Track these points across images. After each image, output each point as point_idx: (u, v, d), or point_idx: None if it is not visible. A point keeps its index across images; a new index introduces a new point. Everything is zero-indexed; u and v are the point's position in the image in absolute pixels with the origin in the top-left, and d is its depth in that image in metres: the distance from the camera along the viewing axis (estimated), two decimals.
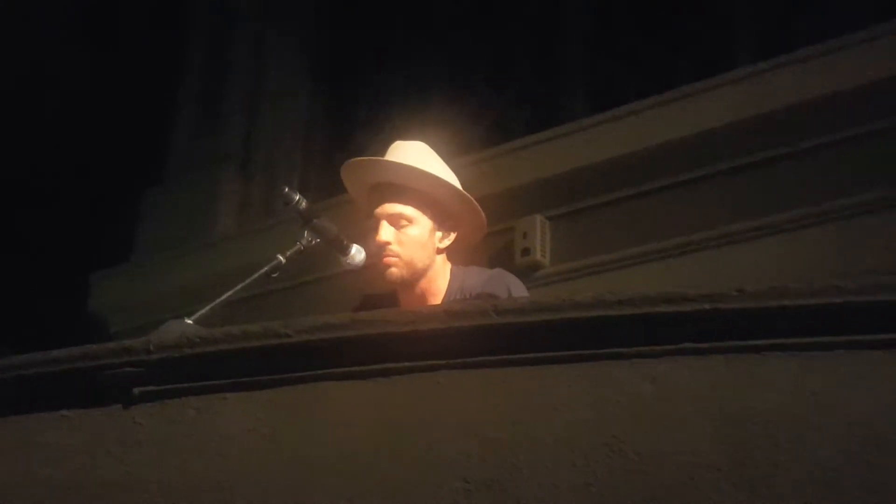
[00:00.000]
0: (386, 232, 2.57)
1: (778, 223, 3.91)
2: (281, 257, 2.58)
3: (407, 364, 1.75)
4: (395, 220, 2.57)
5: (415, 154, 2.64)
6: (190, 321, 2.35)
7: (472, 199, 2.64)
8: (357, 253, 2.67)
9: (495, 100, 5.21)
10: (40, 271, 5.94)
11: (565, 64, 5.09)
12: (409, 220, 2.57)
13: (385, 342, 1.76)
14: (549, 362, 1.70)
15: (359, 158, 2.71)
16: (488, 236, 4.13)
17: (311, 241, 2.61)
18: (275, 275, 2.59)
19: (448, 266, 2.67)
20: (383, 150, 2.73)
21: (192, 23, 6.13)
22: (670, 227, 4.18)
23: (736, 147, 4.12)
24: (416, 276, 2.58)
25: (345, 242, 2.66)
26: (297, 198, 2.60)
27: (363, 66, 5.64)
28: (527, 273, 4.21)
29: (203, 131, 5.74)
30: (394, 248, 2.56)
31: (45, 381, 1.87)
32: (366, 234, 2.65)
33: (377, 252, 2.59)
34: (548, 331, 1.70)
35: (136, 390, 1.82)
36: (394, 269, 2.57)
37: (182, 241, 5.39)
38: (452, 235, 2.64)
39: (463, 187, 2.69)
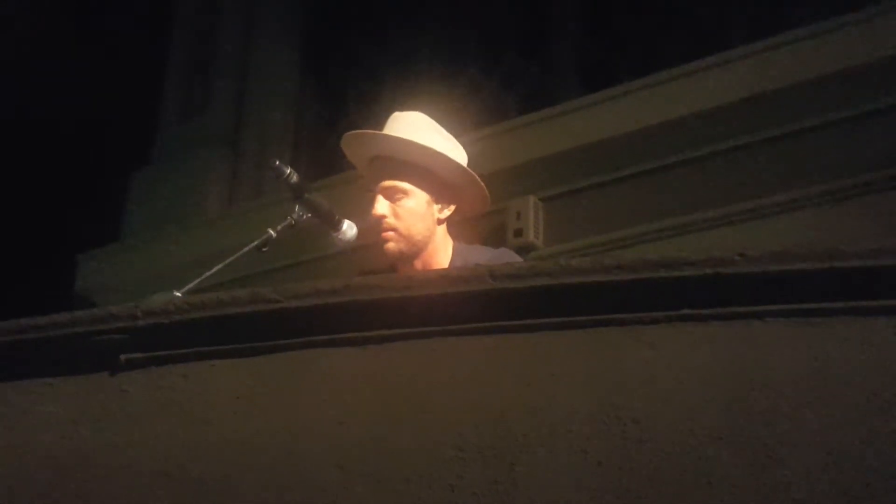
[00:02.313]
0: (381, 205, 2.54)
1: (774, 204, 3.89)
2: (271, 231, 2.55)
3: (400, 331, 1.71)
4: (391, 194, 2.54)
5: (411, 125, 2.60)
6: (178, 294, 2.31)
7: (470, 170, 2.60)
8: (349, 228, 2.64)
9: (487, 80, 5.17)
10: (28, 252, 5.88)
11: (558, 44, 5.05)
12: (405, 193, 2.54)
13: (378, 308, 1.73)
14: (546, 329, 1.66)
15: (354, 132, 2.67)
16: (481, 217, 4.12)
17: (302, 216, 2.58)
18: (265, 249, 2.55)
19: (450, 242, 2.63)
20: (379, 124, 2.69)
21: (179, 1, 6.07)
22: (665, 208, 4.16)
23: (730, 127, 4.10)
24: (415, 249, 2.55)
25: (336, 217, 2.63)
26: (288, 171, 2.56)
27: (353, 44, 5.60)
28: (520, 254, 4.16)
29: (192, 111, 5.70)
30: (390, 221, 2.53)
31: (30, 348, 1.83)
32: (365, 208, 2.61)
33: (374, 226, 2.55)
34: (545, 296, 1.66)
35: (123, 357, 1.78)
36: (391, 244, 2.53)
37: (171, 222, 5.35)
38: (452, 207, 2.60)
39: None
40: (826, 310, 1.54)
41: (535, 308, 1.67)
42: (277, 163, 2.58)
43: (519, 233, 4.41)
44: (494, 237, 4.40)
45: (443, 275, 1.78)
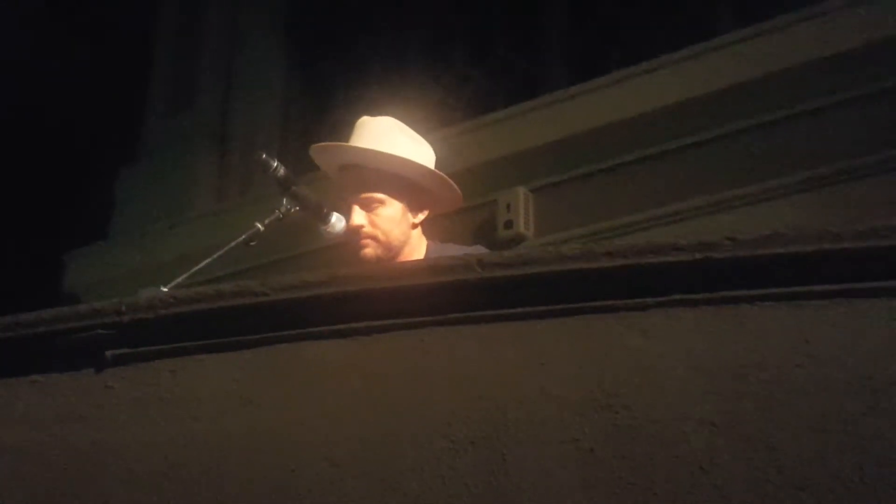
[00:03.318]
0: (358, 216, 2.53)
1: (765, 191, 3.89)
2: (259, 225, 2.53)
3: (389, 321, 1.70)
4: (366, 204, 2.53)
5: (380, 133, 2.58)
6: (165, 289, 2.29)
7: (441, 173, 2.59)
8: (338, 221, 2.63)
9: (475, 72, 5.15)
10: (14, 252, 5.84)
11: (545, 34, 5.04)
12: (381, 202, 2.53)
13: (366, 299, 1.71)
14: (536, 317, 1.64)
15: (322, 144, 2.66)
16: (471, 209, 4.11)
17: (289, 209, 2.57)
18: (252, 243, 2.54)
19: (424, 242, 2.63)
20: (349, 130, 2.67)
21: None
22: (654, 197, 4.16)
23: (718, 115, 4.10)
24: (392, 253, 2.54)
25: (325, 210, 2.61)
26: (275, 164, 2.55)
27: (339, 37, 5.57)
28: (510, 245, 4.18)
29: (178, 107, 5.67)
30: (368, 230, 2.52)
31: (15, 345, 1.81)
32: (340, 209, 2.59)
33: (352, 235, 2.54)
34: (534, 284, 1.64)
35: (109, 353, 1.76)
36: (369, 250, 2.53)
37: (158, 219, 5.32)
38: (426, 210, 2.60)
39: (444, 160, 2.64)
40: (817, 293, 1.53)
41: (524, 296, 1.65)
42: (264, 156, 2.56)
43: (509, 224, 4.41)
44: (484, 229, 4.40)
45: (431, 264, 1.76)
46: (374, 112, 2.70)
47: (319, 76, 5.63)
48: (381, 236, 2.52)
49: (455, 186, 2.60)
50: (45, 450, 1.72)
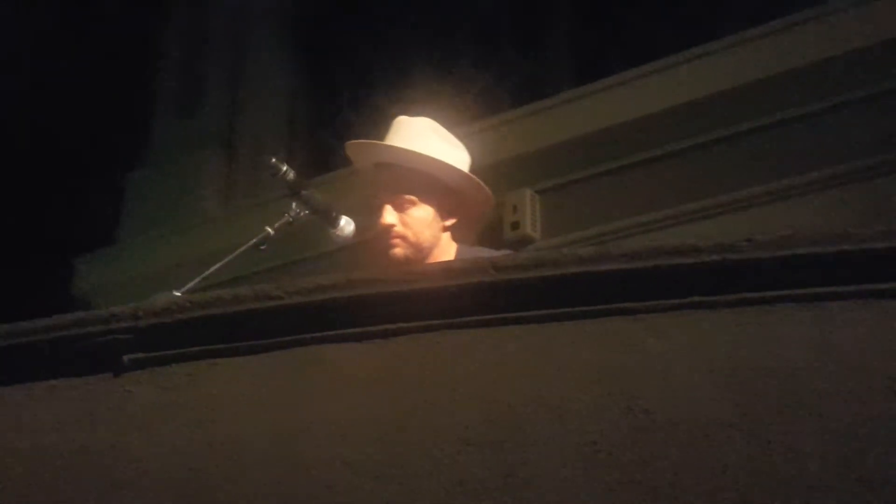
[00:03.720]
0: (390, 215, 2.51)
1: (773, 192, 3.89)
2: (269, 229, 2.53)
3: (404, 325, 1.69)
4: (398, 204, 2.51)
5: (416, 133, 2.56)
6: (178, 294, 2.29)
7: (475, 177, 2.57)
8: (346, 225, 2.63)
9: (481, 73, 5.15)
10: (23, 257, 5.85)
11: (551, 35, 5.03)
12: (412, 203, 2.51)
13: (381, 302, 1.71)
14: (552, 319, 1.64)
15: (358, 141, 2.64)
16: None
17: (299, 213, 2.57)
18: (263, 247, 2.54)
19: (454, 245, 2.61)
20: (384, 128, 2.66)
21: (170, 1, 6.04)
22: (662, 198, 4.15)
23: (725, 116, 4.09)
24: (422, 255, 2.53)
25: (334, 214, 2.61)
26: (285, 168, 2.55)
27: (346, 40, 5.57)
28: (518, 247, 4.17)
29: (185, 112, 5.67)
30: (399, 229, 2.50)
31: (33, 350, 1.81)
32: (370, 210, 2.58)
33: (382, 234, 2.53)
34: (550, 287, 1.64)
35: (126, 358, 1.76)
36: (398, 249, 2.51)
37: (167, 223, 5.32)
38: (458, 213, 2.58)
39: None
40: (836, 294, 1.53)
41: (540, 299, 1.65)
42: (274, 160, 2.56)
43: (516, 226, 4.40)
44: (491, 231, 4.39)
45: (445, 267, 1.76)
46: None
47: (327, 79, 5.63)
48: (411, 237, 2.50)
49: (488, 191, 2.58)
50: (63, 454, 1.72)
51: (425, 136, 2.56)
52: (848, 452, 1.43)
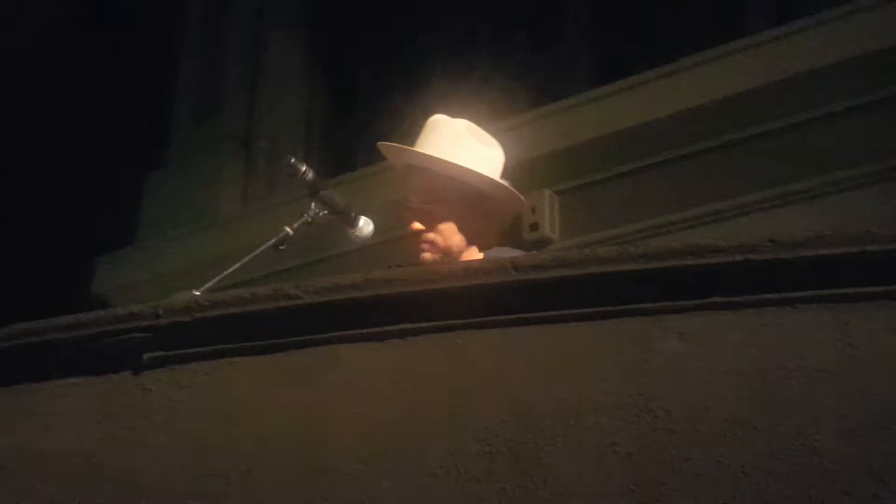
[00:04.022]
0: (420, 221, 2.50)
1: (795, 193, 3.86)
2: (288, 229, 2.53)
3: (423, 324, 1.69)
4: (428, 208, 2.50)
5: (450, 137, 2.53)
6: (198, 293, 2.30)
7: (505, 182, 2.54)
8: (365, 225, 2.62)
9: (498, 74, 5.14)
10: (43, 257, 5.89)
11: (571, 35, 5.02)
12: (443, 208, 2.50)
13: (400, 302, 1.70)
14: (572, 320, 1.63)
15: (389, 144, 2.62)
16: None
17: (318, 213, 2.56)
18: (282, 247, 2.54)
19: (483, 249, 2.60)
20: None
21: (189, 2, 6.07)
22: (682, 199, 4.13)
23: (747, 116, 4.06)
24: (451, 259, 2.51)
25: (353, 214, 2.61)
26: (304, 168, 2.55)
27: (364, 40, 5.58)
28: (536, 248, 4.16)
29: (204, 112, 5.70)
30: (428, 235, 2.49)
31: (54, 348, 1.81)
32: (400, 210, 2.56)
33: (412, 239, 2.52)
34: (570, 287, 1.63)
35: (146, 356, 1.77)
36: (427, 255, 2.50)
37: (186, 223, 5.34)
38: (488, 217, 2.56)
39: None
40: (858, 294, 1.51)
41: (560, 299, 1.64)
42: (293, 160, 2.56)
43: (534, 227, 4.39)
44: (509, 232, 4.37)
45: (465, 267, 1.75)
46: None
47: (344, 79, 5.64)
48: (440, 242, 2.49)
49: (519, 195, 2.56)
50: (83, 451, 1.73)
51: (460, 139, 2.52)
52: (870, 453, 1.42)
